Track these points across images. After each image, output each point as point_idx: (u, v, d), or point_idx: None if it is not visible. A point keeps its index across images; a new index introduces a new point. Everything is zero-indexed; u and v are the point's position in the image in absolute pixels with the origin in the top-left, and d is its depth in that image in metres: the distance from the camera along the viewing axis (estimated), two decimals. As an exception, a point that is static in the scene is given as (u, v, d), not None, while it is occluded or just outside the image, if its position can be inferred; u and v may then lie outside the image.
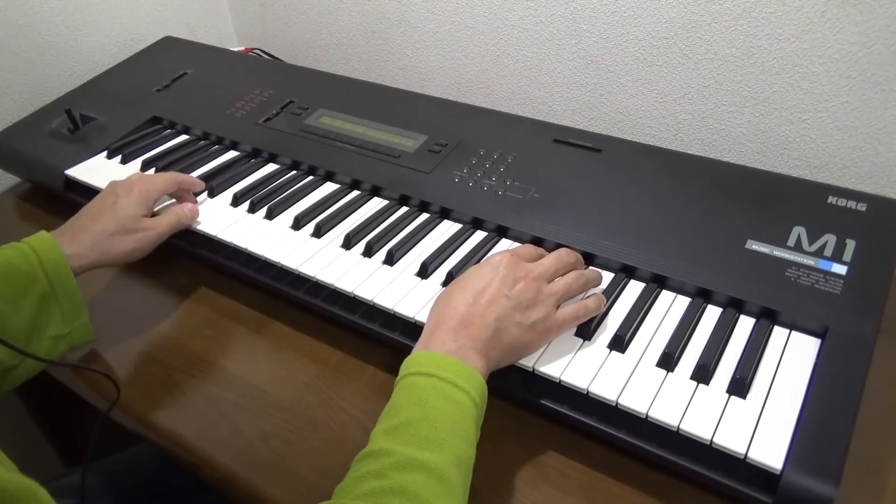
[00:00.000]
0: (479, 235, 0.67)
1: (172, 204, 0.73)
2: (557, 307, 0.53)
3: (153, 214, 0.69)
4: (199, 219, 0.72)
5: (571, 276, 0.55)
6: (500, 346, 0.50)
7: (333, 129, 0.82)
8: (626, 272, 0.61)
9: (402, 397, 0.46)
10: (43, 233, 0.61)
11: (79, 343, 0.61)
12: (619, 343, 0.54)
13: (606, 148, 0.72)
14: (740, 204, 0.63)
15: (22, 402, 0.97)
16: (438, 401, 0.44)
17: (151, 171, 0.81)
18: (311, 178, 0.78)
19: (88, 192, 0.81)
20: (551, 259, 0.55)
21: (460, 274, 0.61)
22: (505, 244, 0.66)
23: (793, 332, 0.54)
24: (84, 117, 0.91)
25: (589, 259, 0.63)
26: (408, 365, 0.48)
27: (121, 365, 0.65)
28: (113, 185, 0.68)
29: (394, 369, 0.61)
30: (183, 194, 0.74)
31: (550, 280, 0.54)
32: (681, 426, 0.48)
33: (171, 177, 0.71)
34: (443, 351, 0.47)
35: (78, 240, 0.62)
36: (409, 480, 0.40)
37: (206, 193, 0.77)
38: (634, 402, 0.49)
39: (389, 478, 0.40)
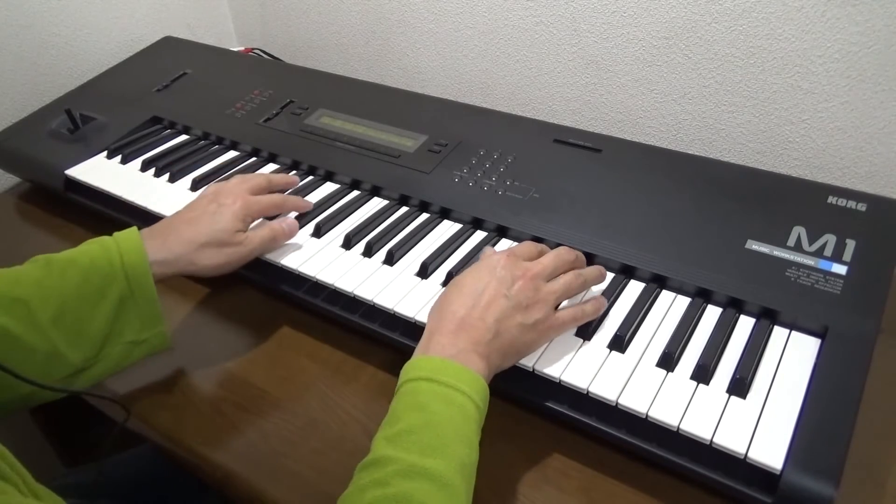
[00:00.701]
0: (479, 235, 0.67)
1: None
2: (557, 306, 0.53)
3: None
4: None
5: (570, 275, 0.54)
6: (502, 348, 0.49)
7: (333, 129, 0.82)
8: (626, 272, 0.61)
9: (403, 403, 0.45)
10: (133, 231, 0.58)
11: (155, 351, 0.59)
12: (619, 343, 0.54)
13: (606, 148, 0.72)
14: (740, 204, 0.63)
15: (22, 402, 0.97)
16: (440, 406, 0.44)
17: (152, 171, 0.81)
18: (311, 178, 0.78)
19: (88, 192, 0.81)
20: (549, 258, 0.55)
21: (460, 274, 0.61)
22: (505, 244, 0.66)
23: (793, 332, 0.54)
24: (84, 117, 0.91)
25: (589, 259, 0.63)
26: (408, 370, 0.47)
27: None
28: (217, 192, 0.64)
29: (394, 369, 0.61)
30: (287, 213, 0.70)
31: (549, 279, 0.53)
32: (681, 426, 0.48)
33: (280, 201, 0.68)
34: (443, 355, 0.47)
35: (168, 246, 0.59)
36: (413, 488, 0.40)
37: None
38: (634, 402, 0.49)
39: (393, 486, 0.40)
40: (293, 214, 0.70)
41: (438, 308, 0.51)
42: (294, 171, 0.79)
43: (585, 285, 0.56)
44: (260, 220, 0.68)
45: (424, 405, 0.44)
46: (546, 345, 0.54)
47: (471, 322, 0.49)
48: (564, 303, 0.55)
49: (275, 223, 0.66)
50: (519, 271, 0.52)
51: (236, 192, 0.64)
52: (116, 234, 0.58)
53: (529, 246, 0.57)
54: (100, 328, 0.55)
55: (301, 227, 0.70)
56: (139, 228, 0.60)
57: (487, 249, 0.57)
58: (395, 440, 0.43)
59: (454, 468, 0.42)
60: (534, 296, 0.51)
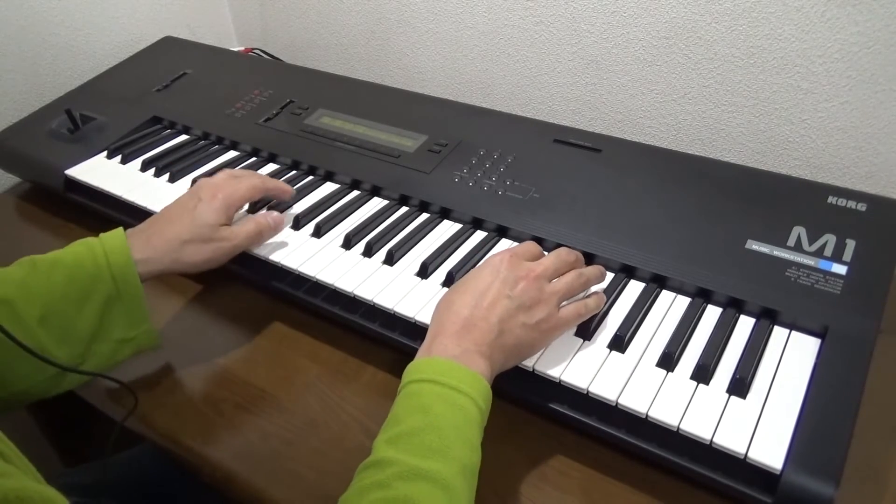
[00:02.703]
0: (479, 235, 0.67)
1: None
2: (559, 306, 0.53)
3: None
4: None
5: (572, 274, 0.54)
6: (505, 348, 0.49)
7: (333, 129, 0.82)
8: (626, 272, 0.61)
9: (405, 405, 0.45)
10: (119, 231, 0.59)
11: (144, 348, 0.60)
12: (619, 343, 0.54)
13: (606, 148, 0.72)
14: (740, 204, 0.63)
15: (22, 402, 0.97)
16: (442, 407, 0.44)
17: (152, 171, 0.81)
18: (311, 178, 0.78)
19: (89, 192, 0.81)
20: (551, 258, 0.55)
21: (460, 274, 0.61)
22: (505, 244, 0.66)
23: (793, 332, 0.54)
24: (84, 117, 0.91)
25: (589, 259, 0.63)
26: (410, 372, 0.47)
27: (120, 366, 0.65)
28: (198, 187, 0.64)
29: (394, 369, 0.61)
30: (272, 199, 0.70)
31: (551, 279, 0.53)
32: (681, 426, 0.48)
33: (260, 183, 0.67)
34: (446, 356, 0.47)
35: (152, 244, 0.59)
36: (414, 490, 0.40)
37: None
38: (634, 401, 0.49)
39: (394, 488, 0.40)
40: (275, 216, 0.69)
41: (441, 309, 0.51)
42: (294, 171, 0.79)
43: (587, 285, 0.56)
44: (245, 213, 0.68)
45: (426, 407, 0.44)
46: (548, 344, 0.54)
47: (474, 323, 0.48)
48: (564, 302, 0.55)
49: (260, 217, 0.66)
50: (522, 272, 0.52)
51: (216, 185, 0.64)
52: (102, 234, 0.58)
53: (530, 246, 0.57)
54: (87, 327, 0.55)
55: (301, 227, 0.70)
56: (125, 229, 0.60)
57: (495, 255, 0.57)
58: (397, 442, 0.43)
59: (455, 470, 0.41)
60: (537, 296, 0.51)
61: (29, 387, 0.54)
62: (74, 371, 0.55)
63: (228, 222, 0.64)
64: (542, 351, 0.53)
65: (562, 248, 0.57)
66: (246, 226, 0.64)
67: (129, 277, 0.57)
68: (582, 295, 0.56)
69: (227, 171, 0.67)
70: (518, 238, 0.66)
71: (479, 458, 0.44)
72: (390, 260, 0.64)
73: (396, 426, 0.44)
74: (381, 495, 0.40)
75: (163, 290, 0.73)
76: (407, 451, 0.42)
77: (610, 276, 0.61)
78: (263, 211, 0.69)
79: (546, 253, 0.57)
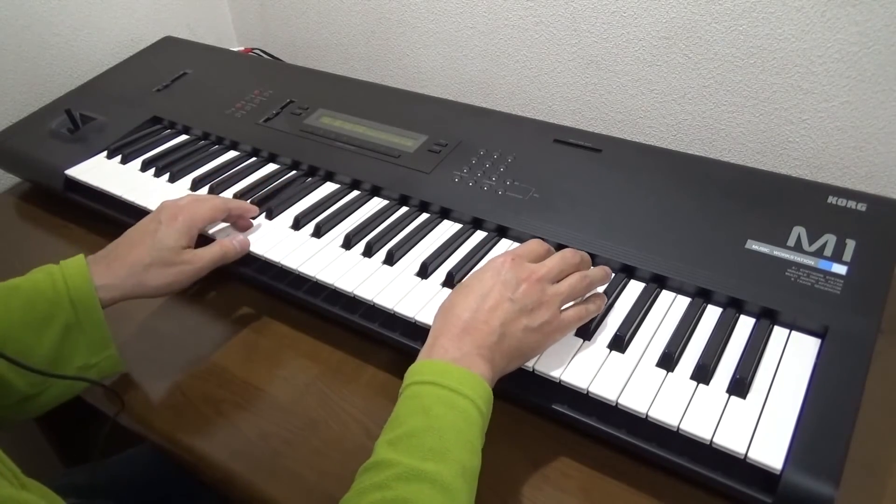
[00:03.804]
0: (479, 235, 0.67)
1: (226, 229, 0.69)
2: (561, 309, 0.53)
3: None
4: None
5: (575, 277, 0.54)
6: (506, 351, 0.49)
7: (333, 129, 0.82)
8: (626, 272, 0.61)
9: (405, 407, 0.45)
10: (80, 258, 0.58)
11: (107, 374, 0.58)
12: (619, 343, 0.54)
13: (606, 148, 0.72)
14: (740, 204, 0.63)
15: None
16: (442, 410, 0.44)
17: (152, 171, 0.81)
18: (311, 178, 0.78)
19: (88, 192, 0.81)
20: (555, 260, 0.54)
21: (460, 274, 0.61)
22: (505, 244, 0.66)
23: (793, 332, 0.54)
24: (84, 117, 0.91)
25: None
26: (411, 374, 0.47)
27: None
28: (159, 210, 0.64)
29: (394, 369, 0.61)
30: (235, 219, 0.69)
31: (554, 281, 0.53)
32: (681, 426, 0.48)
33: (222, 204, 0.67)
34: (447, 359, 0.47)
35: (113, 270, 0.58)
36: (414, 492, 0.40)
37: (206, 190, 0.77)
38: (634, 402, 0.49)
39: (393, 489, 0.40)
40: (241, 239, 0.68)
41: (443, 312, 0.51)
42: (294, 171, 0.79)
43: (591, 287, 0.55)
44: (223, 226, 0.67)
45: (427, 409, 0.44)
46: (550, 347, 0.54)
47: (475, 325, 0.48)
48: (567, 304, 0.55)
49: (226, 241, 0.65)
50: (524, 274, 0.51)
51: (178, 207, 0.63)
52: (62, 261, 0.57)
53: (535, 244, 0.56)
54: (45, 354, 0.54)
55: (301, 228, 0.70)
56: (86, 256, 0.59)
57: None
58: (397, 444, 0.43)
59: (455, 472, 0.41)
60: (539, 298, 0.51)
61: (25, 398, 0.53)
62: (53, 376, 0.54)
63: (191, 245, 0.63)
64: (542, 351, 0.53)
65: (566, 250, 0.56)
66: (211, 249, 0.64)
67: (89, 303, 0.55)
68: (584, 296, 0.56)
69: (190, 195, 0.67)
70: (518, 238, 0.66)
71: (480, 460, 0.44)
72: (390, 260, 0.64)
73: (397, 428, 0.44)
74: (381, 496, 0.40)
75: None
76: (407, 453, 0.42)
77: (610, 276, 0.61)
78: (232, 235, 0.69)
79: (552, 249, 0.57)
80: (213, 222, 0.67)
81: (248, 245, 0.67)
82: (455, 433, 0.43)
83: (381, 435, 0.45)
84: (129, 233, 0.62)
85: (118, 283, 0.58)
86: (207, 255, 0.63)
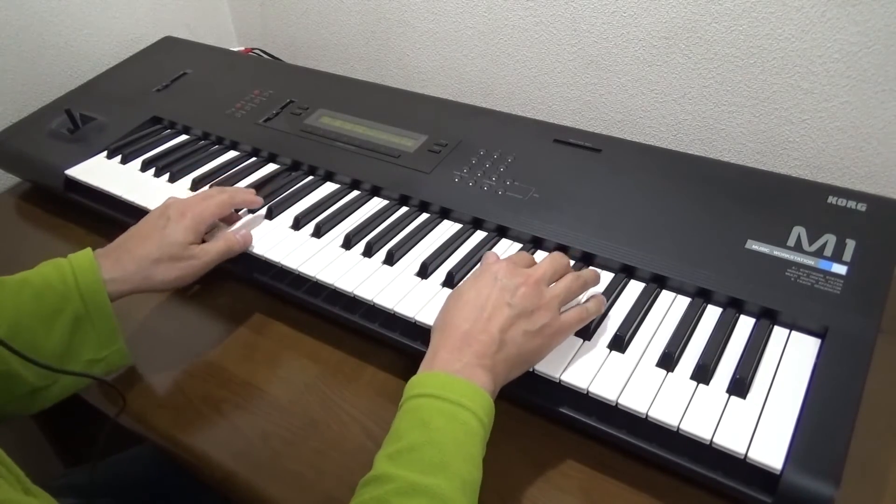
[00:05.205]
0: (479, 235, 0.67)
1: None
2: (560, 310, 0.53)
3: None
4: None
5: (569, 277, 0.54)
6: (508, 359, 0.49)
7: (333, 129, 0.82)
8: (626, 272, 0.61)
9: (405, 420, 0.45)
10: (87, 251, 0.59)
11: (114, 367, 0.59)
12: (619, 343, 0.54)
13: (606, 148, 0.72)
14: (740, 204, 0.63)
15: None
16: (443, 422, 0.43)
17: (152, 171, 0.81)
18: (311, 178, 0.78)
19: (88, 192, 0.81)
20: (547, 262, 0.54)
21: (460, 274, 0.61)
22: (505, 244, 0.66)
23: (793, 332, 0.54)
24: (84, 117, 0.91)
25: (589, 259, 0.63)
26: (411, 387, 0.47)
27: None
28: (166, 206, 0.65)
29: (394, 369, 0.61)
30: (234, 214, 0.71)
31: (549, 283, 0.53)
32: (681, 426, 0.48)
33: (228, 199, 0.68)
34: (447, 371, 0.46)
35: (121, 264, 0.59)
36: None
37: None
38: (634, 402, 0.49)
39: None
40: (247, 216, 0.70)
41: (442, 322, 0.51)
42: (294, 171, 0.79)
43: (585, 287, 0.55)
44: (218, 226, 0.68)
45: (427, 422, 0.44)
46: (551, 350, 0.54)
47: (475, 335, 0.48)
48: (564, 306, 0.55)
49: (230, 234, 0.66)
50: (521, 278, 0.51)
51: (186, 205, 0.64)
52: (70, 255, 0.58)
53: (523, 253, 0.56)
54: (55, 348, 0.55)
55: (301, 227, 0.70)
56: (93, 249, 0.60)
57: (489, 255, 0.56)
58: (397, 458, 0.42)
59: (456, 486, 0.41)
60: (537, 301, 0.51)
61: (1, 407, 0.54)
62: (60, 371, 0.54)
63: (197, 241, 0.64)
64: (542, 353, 0.53)
65: (555, 252, 0.56)
66: (216, 244, 0.65)
67: (98, 297, 0.56)
68: (582, 298, 0.56)
69: (196, 195, 0.68)
70: (518, 238, 0.66)
71: (481, 473, 0.44)
72: (390, 260, 0.64)
73: (397, 442, 0.43)
74: None
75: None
76: (407, 467, 0.41)
77: (610, 276, 0.61)
78: (236, 226, 0.70)
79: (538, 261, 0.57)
80: (220, 217, 0.68)
81: (251, 239, 0.68)
82: (455, 446, 0.43)
83: (381, 448, 0.44)
84: (137, 228, 0.63)
85: (126, 276, 0.59)
86: (213, 249, 0.64)
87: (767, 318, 0.55)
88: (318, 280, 0.64)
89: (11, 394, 0.53)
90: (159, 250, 0.60)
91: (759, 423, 0.47)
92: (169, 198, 0.67)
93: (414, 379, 0.47)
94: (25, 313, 0.54)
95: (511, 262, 0.53)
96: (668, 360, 0.52)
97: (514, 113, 0.83)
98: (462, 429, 0.44)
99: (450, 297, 0.53)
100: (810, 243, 0.58)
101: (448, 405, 0.44)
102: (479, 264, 0.56)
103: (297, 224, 0.70)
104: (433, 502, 0.40)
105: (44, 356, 0.53)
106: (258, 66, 1.04)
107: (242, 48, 1.20)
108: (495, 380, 0.47)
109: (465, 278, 0.54)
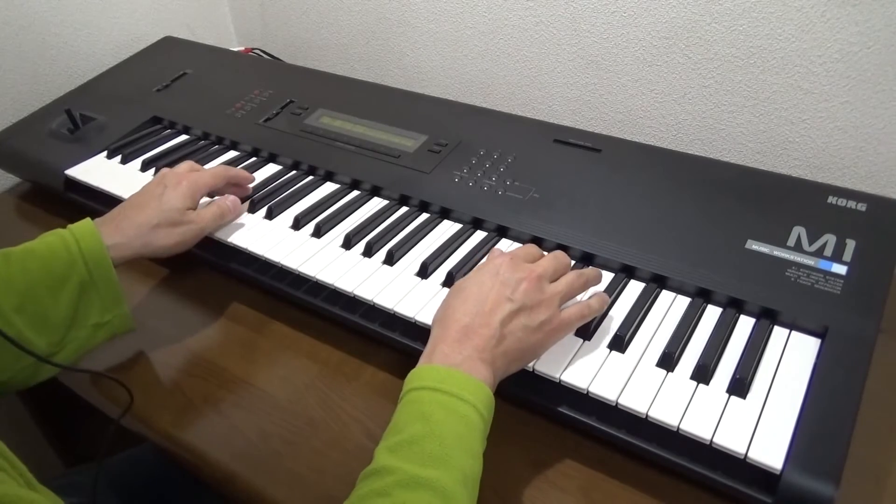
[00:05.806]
0: (479, 235, 0.68)
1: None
2: (561, 307, 0.53)
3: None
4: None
5: (572, 275, 0.54)
6: (508, 353, 0.49)
7: (333, 129, 0.82)
8: (626, 272, 0.61)
9: (406, 413, 0.45)
10: (87, 220, 0.61)
11: (119, 332, 0.61)
12: (619, 343, 0.54)
13: (606, 148, 0.72)
14: (740, 204, 0.63)
15: (23, 403, 0.97)
16: (443, 415, 0.44)
17: (152, 171, 0.81)
18: (311, 178, 0.78)
19: (88, 192, 0.81)
20: (549, 259, 0.54)
21: (460, 274, 0.61)
22: (505, 244, 0.66)
23: (793, 332, 0.54)
24: (84, 117, 0.91)
25: (589, 259, 0.63)
26: (411, 379, 0.47)
27: (120, 366, 0.65)
28: (162, 175, 0.68)
29: (394, 369, 0.61)
30: (230, 188, 0.73)
31: (551, 280, 0.53)
32: (681, 426, 0.48)
33: (222, 171, 0.71)
34: (447, 364, 0.46)
35: (121, 230, 0.62)
36: (414, 499, 0.39)
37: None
38: (634, 402, 0.49)
39: (393, 496, 0.40)
40: (204, 200, 0.71)
41: (442, 315, 0.51)
42: (294, 171, 0.79)
43: (587, 285, 0.56)
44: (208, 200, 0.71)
45: (427, 415, 0.44)
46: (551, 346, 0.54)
47: (475, 329, 0.48)
48: (565, 304, 0.55)
49: (219, 199, 0.70)
50: (522, 273, 0.51)
51: (181, 173, 0.68)
52: (70, 225, 0.60)
53: (530, 248, 0.56)
54: (63, 314, 0.57)
55: (301, 227, 0.70)
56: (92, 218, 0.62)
57: (495, 250, 0.56)
58: (397, 450, 0.42)
59: (456, 479, 0.41)
60: (538, 297, 0.51)
61: (8, 378, 0.55)
62: (52, 363, 0.56)
63: (194, 207, 0.67)
64: (542, 351, 0.53)
65: (557, 251, 0.57)
66: (210, 209, 0.68)
67: (101, 262, 0.58)
68: (583, 296, 0.56)
69: (188, 162, 0.71)
70: (518, 238, 0.66)
71: (481, 466, 0.44)
72: (390, 260, 0.64)
73: (397, 434, 0.44)
74: (381, 503, 0.40)
75: (162, 290, 0.73)
76: (407, 460, 0.41)
77: (610, 276, 0.61)
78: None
79: (545, 253, 0.57)
80: (215, 187, 0.71)
81: (240, 205, 0.71)
82: (456, 439, 0.43)
83: (381, 441, 0.44)
84: (135, 197, 0.66)
85: (127, 241, 0.61)
86: (208, 213, 0.67)
87: (767, 318, 0.55)
88: (318, 280, 0.64)
89: (19, 363, 0.55)
90: (158, 216, 0.63)
91: (759, 422, 0.47)
92: (164, 168, 0.70)
93: (414, 371, 0.47)
94: (34, 283, 0.56)
95: (514, 256, 0.53)
96: (668, 360, 0.52)
97: (514, 113, 0.83)
98: (462, 422, 0.44)
99: (451, 291, 0.53)
100: (810, 243, 0.58)
101: (448, 398, 0.44)
102: (484, 258, 0.57)
103: (298, 224, 0.70)
104: (434, 495, 0.40)
105: (53, 323, 0.56)
106: (258, 66, 1.04)
107: (242, 48, 1.20)
108: (495, 374, 0.48)
109: (467, 275, 0.54)
